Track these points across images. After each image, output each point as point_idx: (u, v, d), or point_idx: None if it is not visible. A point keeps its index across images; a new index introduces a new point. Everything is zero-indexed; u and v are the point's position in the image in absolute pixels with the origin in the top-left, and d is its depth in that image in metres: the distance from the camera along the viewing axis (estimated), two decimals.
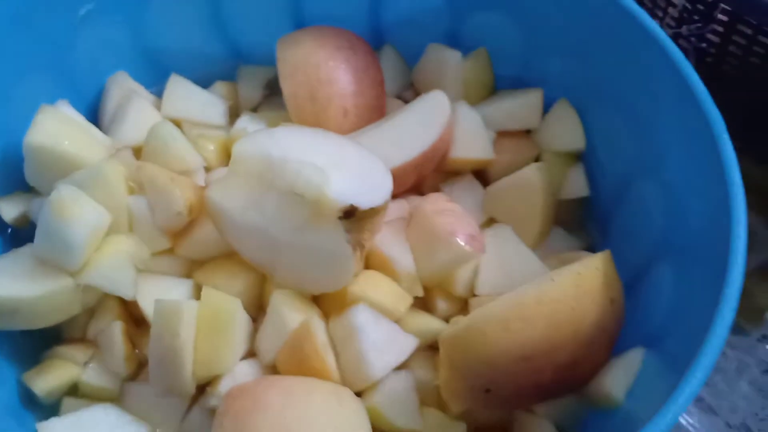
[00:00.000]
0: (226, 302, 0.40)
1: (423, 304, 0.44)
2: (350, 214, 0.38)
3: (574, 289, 0.37)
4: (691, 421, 0.51)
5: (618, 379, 0.38)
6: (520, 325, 0.36)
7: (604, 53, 0.47)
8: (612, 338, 0.39)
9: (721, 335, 0.32)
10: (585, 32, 0.48)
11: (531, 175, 0.46)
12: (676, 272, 0.40)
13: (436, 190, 0.50)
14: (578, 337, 0.37)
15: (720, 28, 0.51)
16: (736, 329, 0.55)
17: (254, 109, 0.55)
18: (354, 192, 0.39)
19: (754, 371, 0.53)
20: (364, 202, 0.38)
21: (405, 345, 0.41)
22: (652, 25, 0.43)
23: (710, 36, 0.52)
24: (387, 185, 0.41)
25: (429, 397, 0.41)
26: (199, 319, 0.39)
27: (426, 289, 0.44)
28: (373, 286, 0.42)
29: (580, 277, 0.37)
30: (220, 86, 0.55)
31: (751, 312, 0.55)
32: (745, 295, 0.55)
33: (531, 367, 0.36)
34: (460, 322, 0.37)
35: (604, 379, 0.38)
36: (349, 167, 0.40)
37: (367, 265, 0.43)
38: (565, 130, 0.51)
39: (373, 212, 0.39)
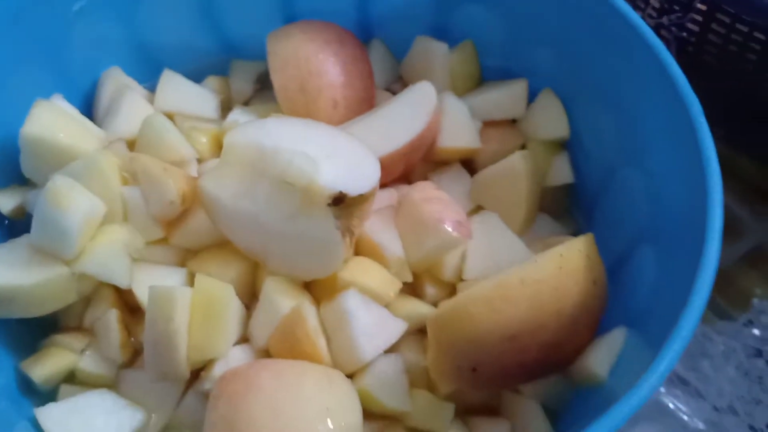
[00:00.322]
0: (219, 289, 0.41)
1: (412, 289, 0.45)
2: (339, 201, 0.39)
3: (557, 270, 0.37)
4: (678, 404, 0.52)
5: (601, 357, 0.38)
6: (504, 305, 0.36)
7: (587, 44, 0.48)
8: (595, 319, 0.40)
9: (698, 308, 0.33)
10: (568, 23, 0.48)
11: (516, 163, 0.47)
12: (658, 255, 0.41)
13: (425, 179, 0.50)
14: (561, 317, 0.37)
15: (699, 18, 0.52)
16: (724, 315, 0.55)
17: (246, 103, 0.56)
18: (343, 180, 0.39)
19: (740, 355, 0.54)
20: (353, 189, 0.39)
21: (394, 329, 0.42)
22: (634, 16, 0.43)
23: (690, 25, 0.52)
24: (375, 173, 0.41)
25: (418, 379, 0.42)
26: (192, 306, 0.40)
27: (415, 274, 0.44)
28: (363, 271, 0.42)
29: (563, 258, 0.38)
30: (212, 80, 0.56)
31: (737, 298, 0.56)
32: (732, 281, 0.57)
33: (516, 346, 0.37)
34: (447, 303, 0.38)
35: (588, 358, 0.39)
36: (339, 156, 0.41)
37: (357, 252, 0.44)
38: (550, 119, 0.51)
39: (362, 199, 0.40)
